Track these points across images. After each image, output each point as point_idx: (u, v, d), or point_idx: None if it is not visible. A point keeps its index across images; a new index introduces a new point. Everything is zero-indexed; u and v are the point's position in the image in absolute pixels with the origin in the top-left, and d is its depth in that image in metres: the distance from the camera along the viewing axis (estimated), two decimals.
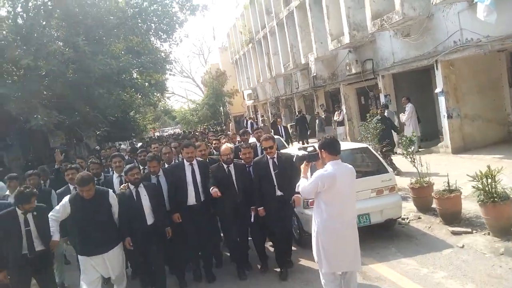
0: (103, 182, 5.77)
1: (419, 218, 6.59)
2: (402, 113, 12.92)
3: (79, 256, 4.70)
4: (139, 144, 18.94)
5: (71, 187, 5.60)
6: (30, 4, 14.70)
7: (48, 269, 4.85)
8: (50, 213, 4.68)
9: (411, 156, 6.88)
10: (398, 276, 4.72)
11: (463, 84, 11.47)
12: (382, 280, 4.71)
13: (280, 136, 13.88)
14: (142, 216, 4.94)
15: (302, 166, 4.03)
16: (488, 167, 5.30)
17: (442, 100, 11.36)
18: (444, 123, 11.44)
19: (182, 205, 5.36)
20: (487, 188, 5.26)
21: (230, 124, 29.95)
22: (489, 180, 5.25)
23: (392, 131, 10.59)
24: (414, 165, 6.86)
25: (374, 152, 6.40)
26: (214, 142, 8.37)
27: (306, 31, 18.38)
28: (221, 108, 38.16)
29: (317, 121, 17.64)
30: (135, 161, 6.79)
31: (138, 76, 20.19)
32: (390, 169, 6.21)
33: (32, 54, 13.28)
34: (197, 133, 19.31)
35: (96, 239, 4.52)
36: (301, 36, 18.91)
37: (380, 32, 12.98)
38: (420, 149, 12.14)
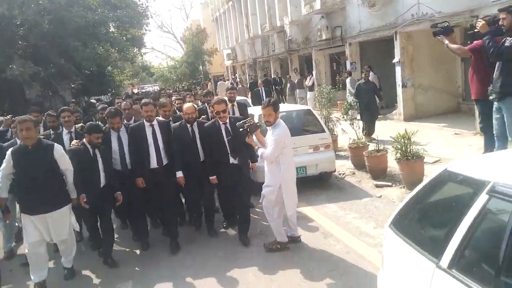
0: (53, 139, 5.15)
1: (353, 173, 7.56)
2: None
3: (21, 214, 4.38)
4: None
5: (18, 141, 5.11)
6: None
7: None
8: None
9: (350, 120, 7.75)
10: (319, 216, 5.69)
11: (419, 56, 12.26)
12: (306, 219, 5.66)
13: (262, 99, 14.34)
14: (97, 177, 4.75)
15: (248, 140, 4.52)
16: (405, 130, 6.20)
17: (398, 70, 12.18)
18: (399, 92, 12.32)
19: (144, 168, 5.07)
20: (403, 148, 6.18)
21: (208, 84, 30.26)
22: (406, 141, 6.16)
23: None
24: (353, 128, 7.75)
25: (316, 114, 7.22)
26: (177, 102, 7.82)
27: None
28: (201, 67, 38.17)
29: (288, 84, 18.30)
30: (93, 119, 6.77)
31: (114, 30, 20.24)
32: (326, 129, 7.05)
33: (6, 3, 13.35)
34: (168, 91, 19.57)
35: (38, 196, 4.17)
36: None
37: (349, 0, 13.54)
38: (379, 116, 13.06)
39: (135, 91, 37.42)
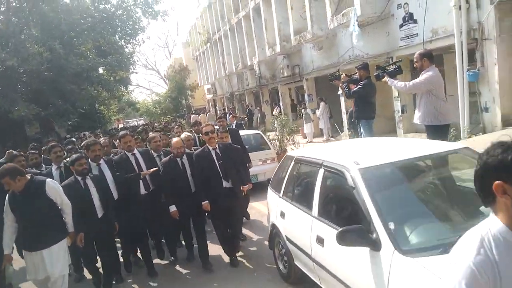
0: (43, 175, 4.89)
1: None
2: (317, 109, 16.48)
3: (23, 251, 4.38)
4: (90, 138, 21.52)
5: (54, 167, 5.48)
6: (10, 12, 17.20)
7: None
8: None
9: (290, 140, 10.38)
10: (263, 207, 8.10)
11: None
12: (254, 209, 8.05)
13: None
14: (92, 208, 4.72)
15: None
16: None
17: (342, 101, 14.93)
18: (344, 118, 15.03)
19: (134, 195, 5.28)
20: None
21: (192, 116, 32.78)
22: None
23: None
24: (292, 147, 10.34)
25: (264, 136, 9.78)
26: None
27: (251, 38, 21.66)
28: (184, 101, 40.87)
29: (258, 114, 21.02)
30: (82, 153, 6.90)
31: (104, 72, 22.88)
32: (271, 147, 9.57)
33: (16, 56, 15.87)
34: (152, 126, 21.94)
35: (35, 234, 4.15)
36: (248, 41, 22.18)
37: (302, 44, 16.43)
38: (331, 138, 15.76)
39: (121, 125, 39.75)
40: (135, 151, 5.42)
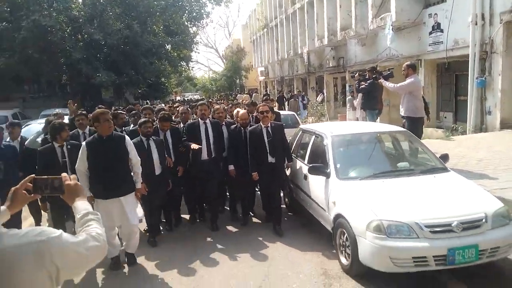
0: (71, 137, 5.25)
1: None
2: (355, 100, 18.23)
3: (95, 200, 4.41)
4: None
5: (80, 131, 5.73)
6: None
7: None
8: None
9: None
10: None
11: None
12: None
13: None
14: (151, 166, 5.19)
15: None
16: None
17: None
18: None
19: (196, 160, 5.75)
20: None
21: (244, 96, 35.21)
22: None
23: None
24: None
25: (297, 116, 11.90)
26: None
27: (303, 28, 23.53)
28: (238, 80, 43.46)
29: (299, 98, 22.99)
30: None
31: (170, 50, 25.80)
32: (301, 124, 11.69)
33: (101, 31, 18.94)
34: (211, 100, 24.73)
35: (113, 181, 4.36)
36: (300, 31, 24.04)
37: (347, 39, 18.15)
38: None
39: (178, 98, 43.10)
40: (207, 120, 5.89)
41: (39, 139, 5.94)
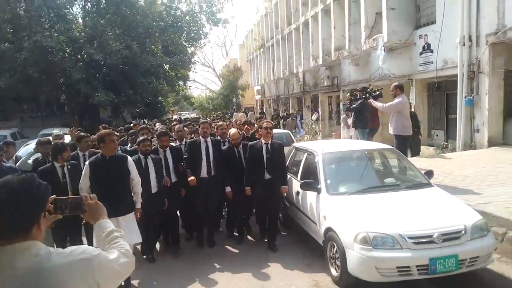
0: (72, 158, 5.35)
1: None
2: (349, 119, 18.61)
3: None
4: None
5: (80, 153, 5.68)
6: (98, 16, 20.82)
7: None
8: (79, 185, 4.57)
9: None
10: None
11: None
12: None
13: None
14: (148, 184, 5.21)
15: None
16: None
17: None
18: None
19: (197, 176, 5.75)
20: None
21: (234, 114, 35.52)
22: None
23: None
24: None
25: (291, 135, 12.18)
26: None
27: (298, 49, 24.07)
28: (234, 99, 43.91)
29: (298, 117, 23.40)
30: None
31: (168, 70, 26.25)
32: (295, 142, 11.98)
33: (101, 52, 19.36)
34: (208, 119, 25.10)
35: (113, 200, 4.17)
36: (296, 51, 24.61)
37: (341, 59, 18.64)
38: None
39: (175, 116, 43.42)
40: (208, 138, 6.00)
41: (30, 161, 6.00)
